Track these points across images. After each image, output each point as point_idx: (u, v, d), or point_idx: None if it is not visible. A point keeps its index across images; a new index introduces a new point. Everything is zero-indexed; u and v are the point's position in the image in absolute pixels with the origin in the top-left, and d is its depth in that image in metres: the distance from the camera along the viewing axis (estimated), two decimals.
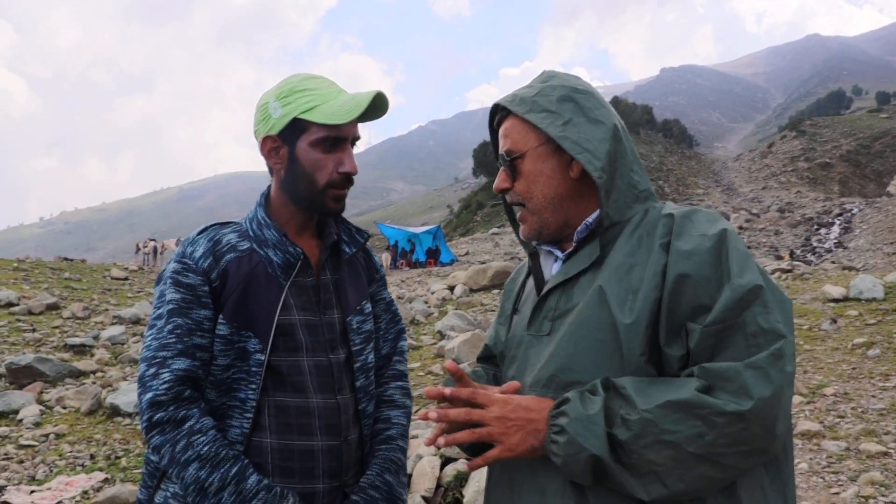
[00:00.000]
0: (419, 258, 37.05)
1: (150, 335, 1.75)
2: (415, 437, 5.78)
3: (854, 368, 7.52)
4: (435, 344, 10.58)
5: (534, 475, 1.47)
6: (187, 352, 1.71)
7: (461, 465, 4.98)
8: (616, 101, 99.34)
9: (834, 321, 9.44)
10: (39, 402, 7.91)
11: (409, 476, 5.10)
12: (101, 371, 9.40)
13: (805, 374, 7.53)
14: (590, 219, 1.55)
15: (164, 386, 1.67)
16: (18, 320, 12.23)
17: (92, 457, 6.23)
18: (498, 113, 1.66)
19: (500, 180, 1.63)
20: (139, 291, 18.62)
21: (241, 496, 1.65)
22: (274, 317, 1.77)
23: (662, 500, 1.28)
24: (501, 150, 1.61)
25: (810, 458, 5.19)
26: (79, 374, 9.12)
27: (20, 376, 8.53)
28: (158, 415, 1.66)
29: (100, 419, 7.36)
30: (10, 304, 13.22)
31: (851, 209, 49.95)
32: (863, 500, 4.45)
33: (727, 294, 1.29)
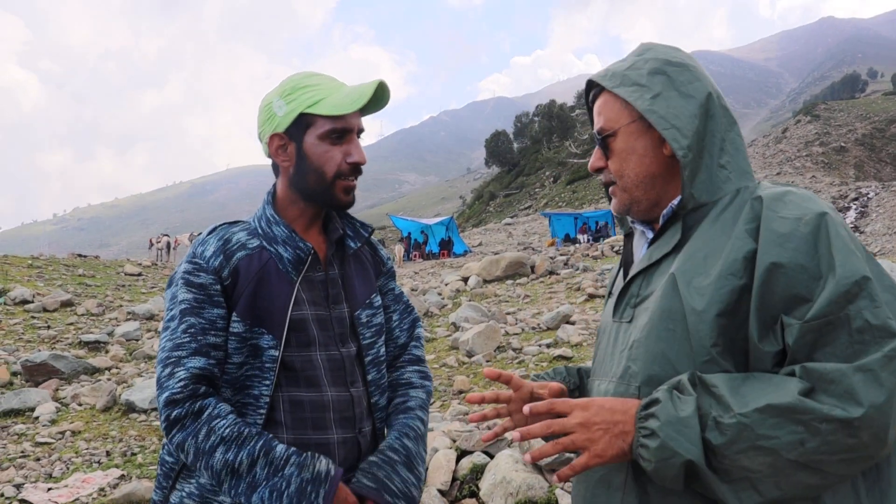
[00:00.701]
0: (432, 250, 37.09)
1: (165, 336, 1.76)
2: (430, 429, 5.75)
3: None
4: (449, 336, 10.55)
5: (602, 467, 1.43)
6: (202, 350, 1.72)
7: (477, 457, 4.95)
8: None
9: None
10: (55, 399, 7.93)
11: (426, 468, 5.07)
12: (116, 367, 9.43)
13: None
14: (676, 200, 1.48)
15: (180, 384, 1.68)
16: (33, 317, 12.29)
17: (108, 454, 6.24)
18: (592, 90, 1.61)
19: (595, 159, 1.58)
20: (153, 287, 18.70)
21: (272, 467, 1.65)
22: (287, 312, 1.79)
23: None
24: (595, 128, 1.57)
25: None
26: (94, 371, 9.15)
27: (35, 374, 8.56)
28: (176, 412, 1.67)
29: (115, 416, 7.37)
30: (24, 302, 13.29)
31: (867, 193, 49.49)
32: None
33: (830, 286, 1.18)
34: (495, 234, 47.60)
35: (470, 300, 13.46)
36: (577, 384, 1.76)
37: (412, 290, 15.77)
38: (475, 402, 1.51)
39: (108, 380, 8.64)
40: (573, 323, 10.21)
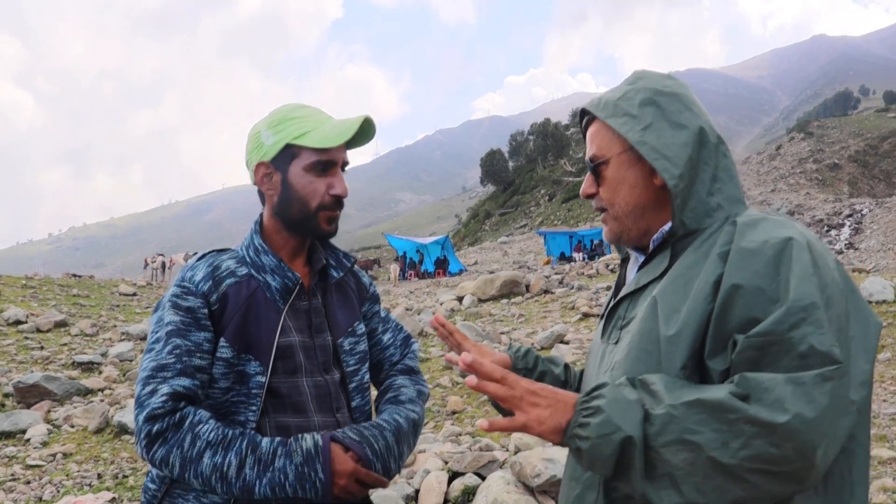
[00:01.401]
0: (428, 269, 37.08)
1: (148, 357, 1.76)
2: (422, 451, 5.74)
3: None
4: (443, 355, 10.54)
5: (577, 486, 1.48)
6: (186, 371, 1.72)
7: (469, 479, 4.94)
8: None
9: None
10: (47, 420, 7.89)
11: (417, 491, 5.05)
12: (109, 388, 9.38)
13: None
14: (666, 227, 1.50)
15: (161, 400, 1.68)
16: (26, 338, 12.25)
17: (99, 476, 6.21)
18: (585, 116, 1.64)
19: (587, 185, 1.60)
20: (147, 307, 18.65)
21: (262, 464, 1.67)
22: (274, 340, 1.81)
23: None
24: (587, 155, 1.59)
25: None
26: (87, 392, 9.10)
27: (28, 395, 8.51)
28: (157, 426, 1.66)
29: (107, 437, 7.34)
30: (18, 322, 13.24)
31: (861, 210, 49.62)
32: None
33: (780, 309, 1.20)
34: (491, 253, 47.63)
35: (465, 320, 13.47)
36: (529, 366, 1.85)
37: (407, 309, 15.74)
38: (439, 324, 1.79)
39: (101, 401, 8.60)
40: (567, 342, 10.22)
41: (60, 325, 13.55)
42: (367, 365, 2.06)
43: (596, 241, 37.55)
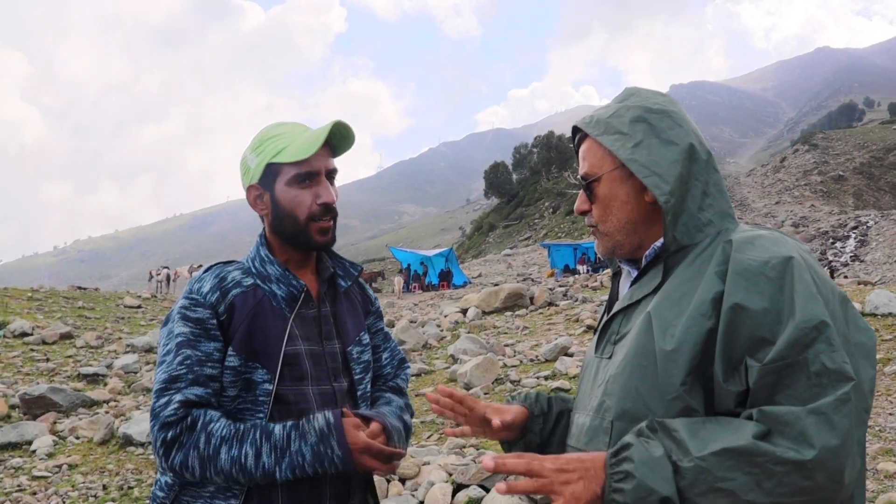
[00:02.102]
0: (432, 281, 37.07)
1: (160, 369, 1.80)
2: (426, 463, 5.74)
3: None
4: (447, 368, 10.54)
5: None
6: (199, 381, 1.77)
7: (473, 491, 4.94)
8: None
9: None
10: (52, 432, 7.92)
11: (422, 503, 5.06)
12: (114, 400, 9.42)
13: None
14: (658, 242, 1.52)
15: (173, 408, 1.72)
16: (32, 350, 12.29)
17: (104, 487, 6.22)
18: (577, 134, 1.66)
19: (580, 202, 1.63)
20: (152, 319, 18.69)
21: (278, 450, 1.72)
22: (281, 347, 1.84)
23: None
24: (580, 172, 1.61)
25: None
26: (92, 404, 9.14)
27: (34, 407, 8.55)
28: (171, 433, 1.71)
29: (112, 449, 7.36)
30: (24, 334, 13.30)
31: (867, 222, 49.53)
32: None
33: (790, 330, 1.23)
34: (495, 265, 47.61)
35: (469, 332, 13.45)
36: (544, 410, 1.79)
37: (411, 321, 15.73)
38: (433, 401, 1.67)
39: (107, 413, 8.63)
40: (571, 355, 10.21)
41: (66, 337, 13.61)
42: (370, 375, 2.10)
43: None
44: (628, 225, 1.54)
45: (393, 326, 14.26)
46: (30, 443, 7.47)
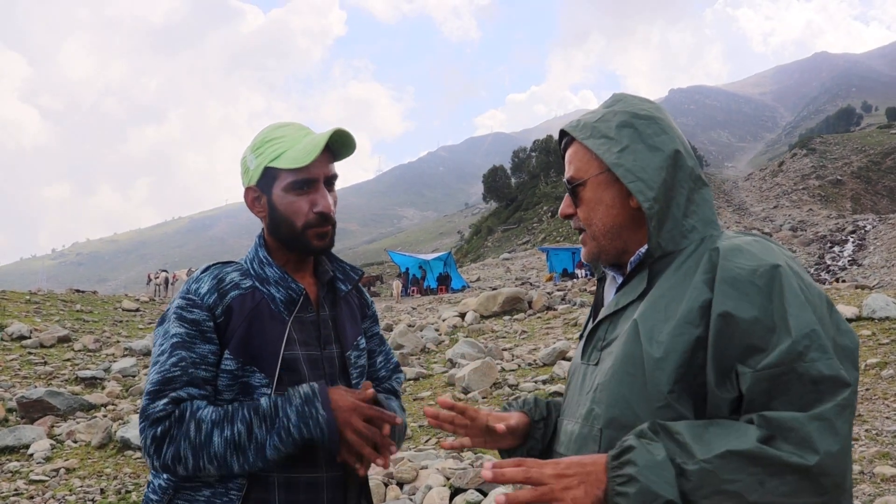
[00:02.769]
0: (430, 285, 37.10)
1: (154, 370, 1.77)
2: (424, 467, 5.74)
3: (867, 389, 7.41)
4: (446, 372, 10.55)
5: None
6: (192, 382, 1.75)
7: (471, 495, 4.94)
8: None
9: None
10: (50, 436, 7.92)
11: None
12: (112, 404, 9.40)
13: None
14: (643, 248, 1.52)
15: (162, 404, 1.71)
16: (30, 353, 12.28)
17: (102, 491, 6.22)
18: (564, 138, 1.66)
19: (565, 206, 1.63)
20: (150, 322, 18.67)
21: (268, 420, 1.71)
22: (279, 352, 1.82)
23: None
24: (566, 176, 1.61)
25: None
26: (90, 408, 9.13)
27: (31, 410, 8.54)
28: (160, 427, 1.69)
29: (110, 453, 7.35)
30: (21, 338, 13.27)
31: (864, 226, 49.64)
32: None
33: (784, 339, 1.24)
34: (493, 270, 47.63)
35: (467, 336, 13.46)
36: (544, 416, 1.78)
37: (409, 326, 15.74)
38: (431, 416, 1.62)
39: (104, 416, 8.62)
40: (570, 359, 10.21)
41: (64, 340, 13.60)
42: (364, 379, 2.06)
43: None
44: (613, 229, 1.54)
45: (391, 330, 14.27)
46: (27, 446, 7.46)
